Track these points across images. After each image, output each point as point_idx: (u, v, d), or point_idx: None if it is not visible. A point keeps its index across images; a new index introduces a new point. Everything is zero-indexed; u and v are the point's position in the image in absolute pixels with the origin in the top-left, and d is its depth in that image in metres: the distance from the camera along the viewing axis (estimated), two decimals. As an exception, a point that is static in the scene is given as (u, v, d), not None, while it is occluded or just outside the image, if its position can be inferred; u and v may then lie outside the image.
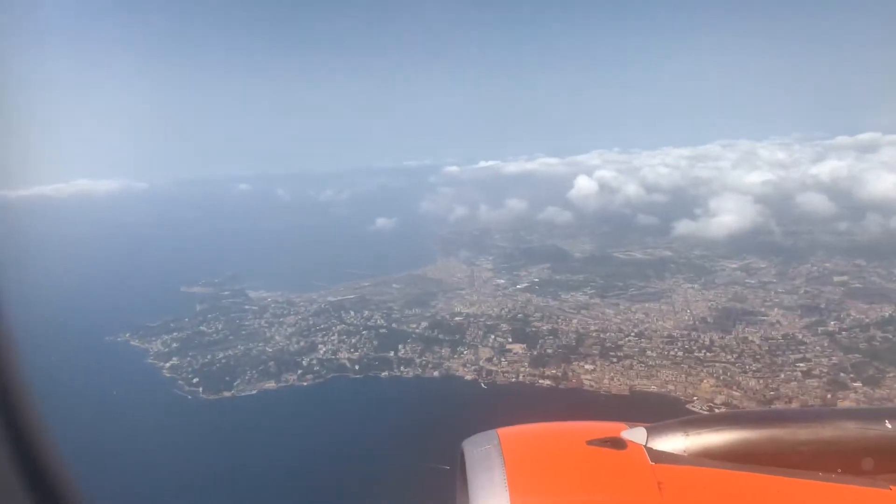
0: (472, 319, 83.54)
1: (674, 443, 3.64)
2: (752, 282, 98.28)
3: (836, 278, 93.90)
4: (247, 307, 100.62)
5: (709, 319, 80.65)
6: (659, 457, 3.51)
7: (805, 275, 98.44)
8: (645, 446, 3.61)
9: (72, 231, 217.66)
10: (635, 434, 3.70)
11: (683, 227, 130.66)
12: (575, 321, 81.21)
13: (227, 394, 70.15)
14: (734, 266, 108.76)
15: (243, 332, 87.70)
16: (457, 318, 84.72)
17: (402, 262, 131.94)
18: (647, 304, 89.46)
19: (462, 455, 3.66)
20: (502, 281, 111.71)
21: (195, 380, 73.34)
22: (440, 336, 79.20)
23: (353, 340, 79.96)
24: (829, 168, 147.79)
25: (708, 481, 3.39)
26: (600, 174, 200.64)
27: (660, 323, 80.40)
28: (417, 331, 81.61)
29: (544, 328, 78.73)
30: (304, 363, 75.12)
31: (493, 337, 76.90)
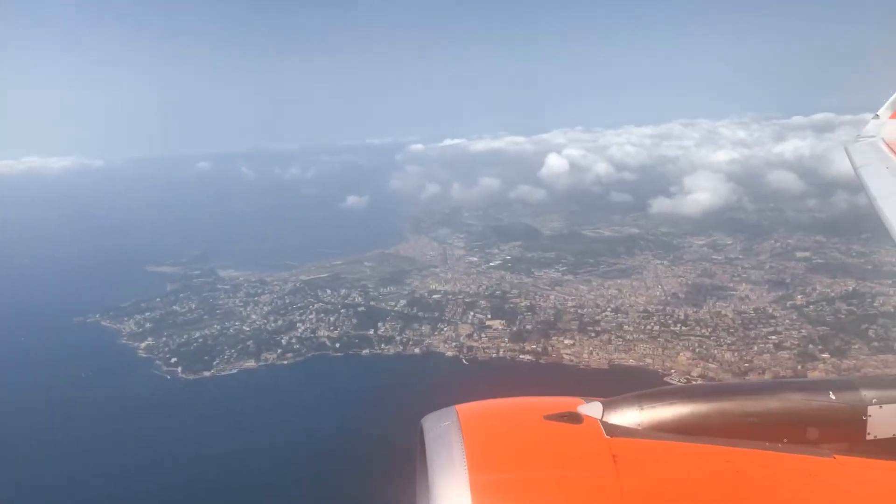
0: (450, 297, 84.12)
1: (628, 417, 3.74)
2: (719, 258, 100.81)
3: (798, 254, 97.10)
4: (219, 286, 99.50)
5: (680, 295, 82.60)
6: (614, 430, 3.60)
7: (769, 251, 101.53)
8: (600, 420, 3.70)
9: (29, 209, 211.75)
10: (591, 409, 3.79)
11: (660, 204, 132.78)
12: (552, 297, 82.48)
13: (206, 373, 69.56)
14: (701, 243, 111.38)
15: (218, 312, 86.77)
16: (435, 296, 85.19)
17: (374, 241, 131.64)
18: (619, 281, 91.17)
19: (421, 432, 3.69)
20: (475, 259, 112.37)
21: (173, 360, 72.45)
22: (419, 313, 79.61)
23: (332, 319, 79.83)
24: (792, 147, 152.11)
25: (661, 454, 3.49)
26: (569, 152, 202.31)
27: (633, 298, 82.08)
28: (396, 308, 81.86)
29: (522, 304, 79.78)
30: (284, 342, 74.82)
31: (472, 314, 77.61)
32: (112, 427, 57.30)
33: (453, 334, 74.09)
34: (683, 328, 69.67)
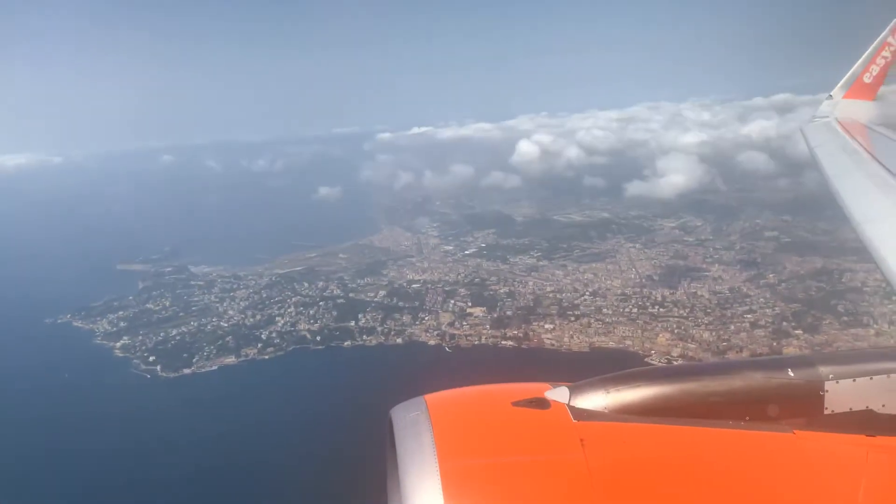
0: (429, 286, 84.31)
1: (595, 401, 3.81)
2: (691, 240, 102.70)
3: (766, 234, 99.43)
4: (192, 283, 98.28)
5: (654, 277, 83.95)
6: (581, 414, 3.67)
7: (739, 231, 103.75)
8: (568, 405, 3.75)
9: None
10: (558, 394, 3.84)
11: (635, 187, 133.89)
12: (531, 283, 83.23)
13: (186, 371, 68.77)
14: (672, 225, 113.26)
15: (193, 308, 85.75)
16: (414, 286, 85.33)
17: (346, 232, 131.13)
18: (593, 265, 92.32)
19: (390, 422, 3.70)
20: (450, 247, 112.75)
21: (151, 358, 71.51)
22: (399, 303, 79.69)
23: (311, 312, 79.46)
24: (759, 128, 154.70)
25: (627, 435, 3.57)
26: (539, 138, 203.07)
27: (608, 282, 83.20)
28: (376, 299, 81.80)
29: (502, 291, 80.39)
30: (264, 336, 74.26)
31: (452, 302, 77.97)
32: (99, 427, 56.49)
33: (434, 323, 74.33)
34: (661, 310, 70.95)
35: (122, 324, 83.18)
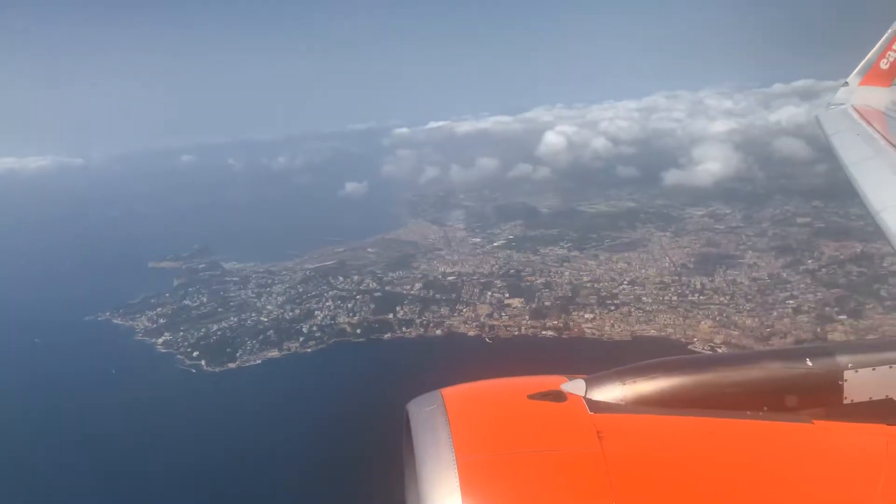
0: (464, 278, 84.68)
1: (611, 392, 3.79)
2: (721, 227, 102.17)
3: (798, 220, 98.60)
4: (227, 279, 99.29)
5: (689, 265, 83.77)
6: (597, 407, 3.65)
7: (769, 218, 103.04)
8: (584, 397, 3.74)
9: (15, 209, 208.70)
10: (574, 386, 3.83)
11: (672, 176, 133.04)
12: (567, 273, 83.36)
13: (231, 365, 69.71)
14: (700, 213, 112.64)
15: (231, 304, 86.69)
16: (450, 278, 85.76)
17: (372, 226, 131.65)
18: (626, 254, 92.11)
19: (407, 417, 3.69)
20: (478, 239, 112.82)
21: (195, 353, 72.52)
22: (436, 296, 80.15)
23: (349, 305, 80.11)
24: (788, 114, 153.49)
25: (644, 428, 3.55)
26: (563, 129, 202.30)
27: (643, 271, 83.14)
28: (412, 292, 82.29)
29: (538, 282, 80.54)
30: (304, 330, 75.04)
31: (489, 293, 78.29)
32: (156, 421, 57.64)
33: (473, 314, 74.73)
34: (701, 297, 70.90)
35: (161, 320, 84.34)
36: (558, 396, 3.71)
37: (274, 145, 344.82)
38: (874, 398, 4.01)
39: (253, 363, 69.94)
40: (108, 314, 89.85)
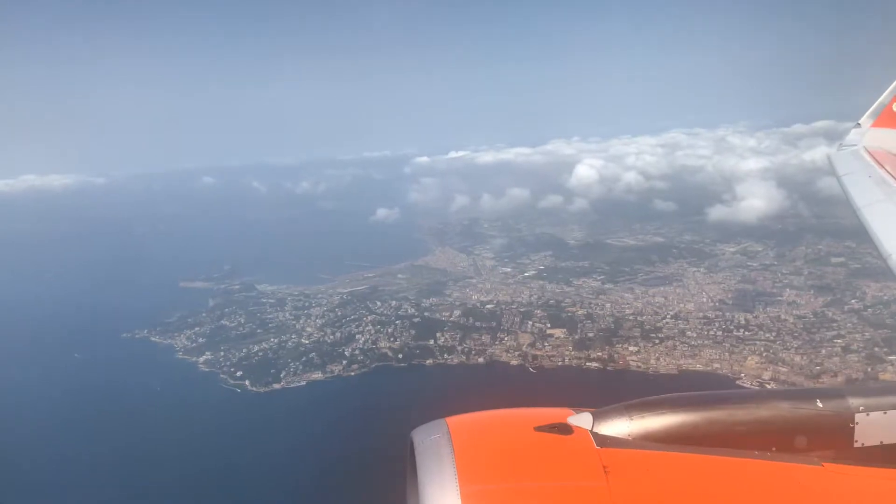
0: (503, 307, 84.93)
1: (618, 427, 3.77)
2: (755, 264, 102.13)
3: (833, 259, 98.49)
4: (263, 300, 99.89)
5: (727, 301, 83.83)
6: (604, 441, 3.63)
7: (803, 257, 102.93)
8: (591, 431, 3.72)
9: (40, 227, 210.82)
10: (581, 419, 3.81)
11: (717, 212, 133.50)
12: (609, 306, 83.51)
13: (276, 386, 70.08)
14: (732, 250, 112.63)
15: (270, 326, 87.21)
16: (488, 306, 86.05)
17: (400, 253, 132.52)
18: (661, 288, 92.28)
19: (411, 445, 3.70)
20: (508, 269, 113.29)
21: (238, 373, 72.90)
22: (476, 323, 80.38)
23: (390, 330, 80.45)
24: (821, 154, 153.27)
25: (651, 464, 3.51)
26: (592, 162, 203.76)
27: (682, 305, 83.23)
28: (451, 319, 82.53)
29: (580, 313, 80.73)
30: (347, 353, 75.41)
31: (530, 323, 78.47)
32: (210, 440, 57.93)
33: (514, 343, 74.92)
34: (746, 333, 70.91)
35: (200, 339, 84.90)
36: (564, 429, 3.72)
37: (293, 170, 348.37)
38: (886, 442, 3.96)
39: (297, 385, 70.27)
40: (145, 332, 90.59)
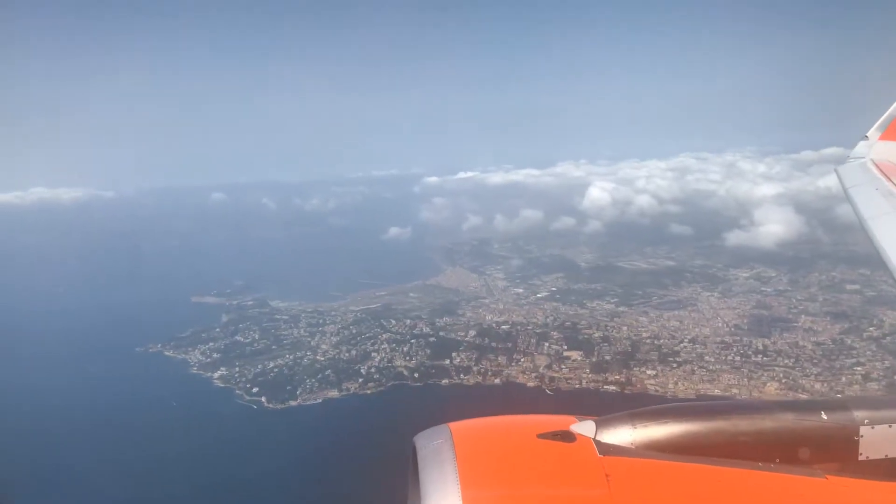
0: (519, 328, 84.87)
1: (621, 435, 3.77)
2: (769, 290, 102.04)
3: (848, 286, 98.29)
4: (277, 317, 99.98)
5: (742, 326, 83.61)
6: (607, 449, 3.62)
7: (817, 283, 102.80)
8: (594, 439, 3.72)
9: (51, 239, 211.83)
10: (584, 427, 3.82)
11: (735, 237, 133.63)
12: (625, 329, 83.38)
13: (292, 403, 69.94)
14: (745, 275, 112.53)
15: (285, 342, 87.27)
16: (504, 327, 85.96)
17: (411, 272, 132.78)
18: (676, 312, 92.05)
19: (414, 450, 3.72)
20: (520, 290, 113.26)
21: (254, 389, 72.80)
22: (492, 344, 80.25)
23: (405, 349, 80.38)
24: (836, 181, 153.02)
25: (654, 473, 3.51)
26: (603, 185, 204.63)
27: (698, 330, 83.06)
28: (467, 339, 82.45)
29: (596, 335, 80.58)
30: (363, 371, 75.33)
31: (546, 344, 78.33)
32: (228, 455, 57.83)
33: (531, 365, 74.76)
34: (765, 359, 70.70)
35: (215, 355, 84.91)
36: (567, 437, 3.72)
37: (301, 187, 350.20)
38: (890, 455, 3.94)
39: (314, 402, 70.08)
40: (159, 346, 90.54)
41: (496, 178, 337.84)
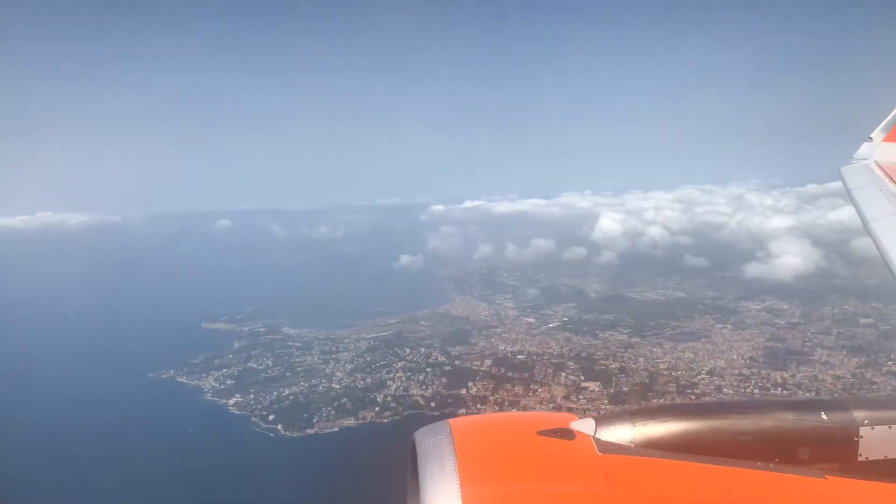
0: (535, 357, 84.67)
1: (621, 433, 3.80)
2: (782, 322, 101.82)
3: (861, 320, 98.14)
4: (290, 343, 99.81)
5: (758, 359, 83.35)
6: (606, 447, 3.64)
7: (830, 316, 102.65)
8: (593, 437, 3.74)
9: (59, 263, 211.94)
10: (584, 425, 3.84)
11: (753, 269, 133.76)
12: (642, 360, 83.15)
13: (310, 431, 69.52)
14: (757, 307, 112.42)
15: (299, 369, 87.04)
16: (519, 356, 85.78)
17: (421, 300, 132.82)
18: (690, 344, 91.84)
19: (413, 445, 3.76)
20: (531, 319, 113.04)
21: (270, 417, 72.41)
22: (508, 374, 80.00)
23: (421, 377, 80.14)
24: (848, 214, 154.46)
25: (653, 471, 3.52)
26: (613, 216, 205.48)
27: (713, 361, 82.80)
28: (482, 368, 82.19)
29: (613, 366, 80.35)
30: (379, 400, 74.96)
31: (563, 375, 78.10)
32: (254, 485, 57.24)
33: (548, 395, 74.34)
34: (784, 391, 70.28)
35: (228, 381, 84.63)
36: (567, 434, 3.74)
37: (307, 214, 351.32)
38: (890, 456, 3.96)
39: (331, 430, 69.64)
40: (171, 372, 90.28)
41: (502, 207, 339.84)
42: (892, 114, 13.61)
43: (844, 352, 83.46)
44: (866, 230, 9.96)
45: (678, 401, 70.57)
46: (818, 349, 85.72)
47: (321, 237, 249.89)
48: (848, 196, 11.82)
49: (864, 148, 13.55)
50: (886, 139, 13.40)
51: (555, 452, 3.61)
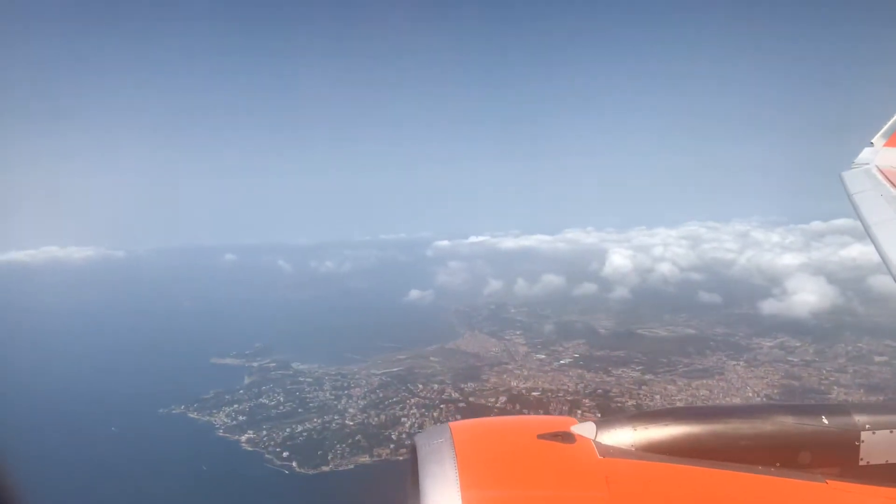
0: (549, 395, 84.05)
1: (622, 437, 3.79)
2: (795, 360, 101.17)
3: (876, 358, 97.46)
4: (300, 379, 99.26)
5: (773, 396, 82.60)
6: (607, 451, 3.66)
7: (844, 354, 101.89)
8: (594, 441, 3.75)
9: (65, 298, 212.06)
10: (585, 429, 3.85)
11: (769, 306, 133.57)
12: (657, 397, 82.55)
13: (325, 468, 68.74)
14: (770, 344, 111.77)
15: (311, 405, 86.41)
16: (534, 393, 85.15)
17: (430, 336, 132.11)
18: (704, 381, 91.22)
19: (414, 449, 3.80)
20: (542, 356, 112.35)
21: (284, 454, 71.65)
22: (524, 411, 79.21)
23: (435, 414, 79.41)
24: (857, 251, 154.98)
25: (653, 475, 3.53)
26: (622, 252, 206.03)
27: (727, 399, 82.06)
28: (497, 405, 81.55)
29: (629, 403, 79.69)
30: (394, 437, 74.24)
31: (579, 412, 77.27)
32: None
33: (567, 434, 73.52)
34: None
35: (240, 417, 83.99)
36: (567, 438, 3.75)
37: (311, 249, 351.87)
38: (891, 461, 3.95)
39: (346, 468, 68.92)
40: (182, 408, 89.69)
41: (508, 242, 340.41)
42: (894, 119, 13.67)
43: (862, 391, 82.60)
44: (867, 234, 9.97)
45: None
46: (835, 387, 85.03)
47: (328, 272, 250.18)
48: (849, 200, 11.83)
49: (866, 153, 13.60)
50: (887, 144, 13.45)
51: (555, 456, 3.63)
